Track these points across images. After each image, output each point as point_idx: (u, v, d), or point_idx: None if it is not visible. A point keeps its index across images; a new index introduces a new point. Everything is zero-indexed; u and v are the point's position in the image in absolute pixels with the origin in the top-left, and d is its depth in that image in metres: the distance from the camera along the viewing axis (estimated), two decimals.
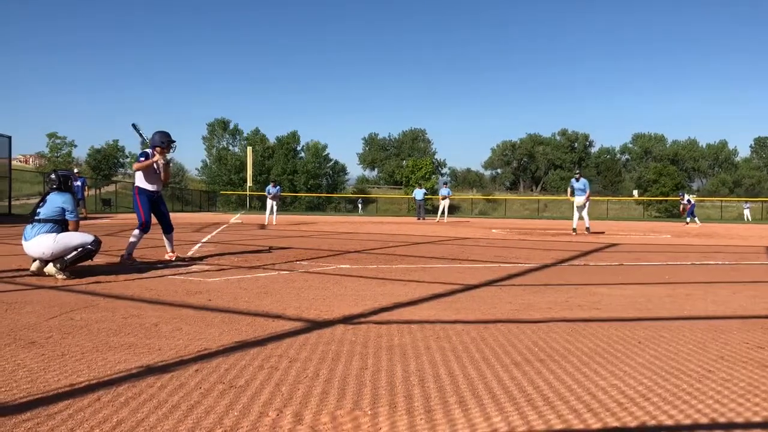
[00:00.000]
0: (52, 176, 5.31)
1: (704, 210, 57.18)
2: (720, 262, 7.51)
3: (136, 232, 6.26)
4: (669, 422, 1.78)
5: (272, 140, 70.50)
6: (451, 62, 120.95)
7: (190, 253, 7.40)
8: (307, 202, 60.27)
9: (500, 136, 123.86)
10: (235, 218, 23.69)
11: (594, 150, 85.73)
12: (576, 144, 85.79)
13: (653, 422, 1.78)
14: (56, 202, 5.13)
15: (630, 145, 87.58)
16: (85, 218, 19.07)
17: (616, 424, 1.76)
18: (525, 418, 1.80)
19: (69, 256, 4.97)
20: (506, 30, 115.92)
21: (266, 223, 17.62)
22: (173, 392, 1.99)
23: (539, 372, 2.30)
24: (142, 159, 6.31)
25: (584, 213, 14.38)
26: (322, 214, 41.53)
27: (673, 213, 53.43)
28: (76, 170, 27.95)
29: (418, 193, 27.23)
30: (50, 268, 4.93)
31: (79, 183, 19.73)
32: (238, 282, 4.89)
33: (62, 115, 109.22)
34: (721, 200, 57.50)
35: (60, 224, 5.10)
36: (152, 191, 6.43)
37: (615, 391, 2.07)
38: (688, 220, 25.07)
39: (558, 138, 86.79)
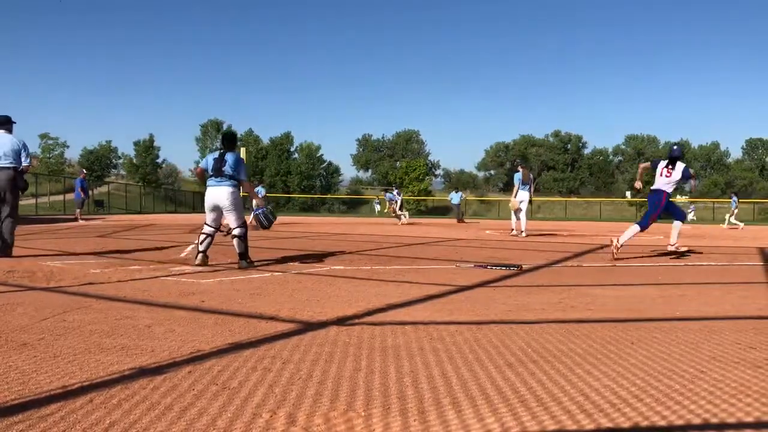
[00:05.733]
0: (219, 136, 6.06)
1: (697, 211, 57.49)
2: (712, 263, 7.56)
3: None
4: (661, 423, 1.79)
5: (266, 141, 70.39)
6: (444, 63, 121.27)
7: (183, 254, 7.37)
8: (300, 203, 60.20)
9: (493, 138, 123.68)
10: None
11: (587, 151, 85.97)
12: (569, 145, 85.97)
13: (646, 423, 1.79)
14: (230, 160, 6.05)
15: (623, 147, 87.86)
16: (76, 220, 18.94)
17: (609, 424, 1.76)
18: (518, 419, 1.80)
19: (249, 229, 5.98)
20: (499, 31, 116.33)
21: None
22: (166, 394, 1.99)
23: (532, 373, 2.30)
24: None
25: (523, 213, 13.08)
26: (316, 215, 41.46)
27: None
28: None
29: (455, 197, 29.24)
30: (243, 264, 5.88)
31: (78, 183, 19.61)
32: (231, 283, 4.87)
33: (54, 115, 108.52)
34: (713, 201, 57.82)
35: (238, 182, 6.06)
36: None
37: (608, 391, 2.08)
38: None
39: (551, 139, 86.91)
